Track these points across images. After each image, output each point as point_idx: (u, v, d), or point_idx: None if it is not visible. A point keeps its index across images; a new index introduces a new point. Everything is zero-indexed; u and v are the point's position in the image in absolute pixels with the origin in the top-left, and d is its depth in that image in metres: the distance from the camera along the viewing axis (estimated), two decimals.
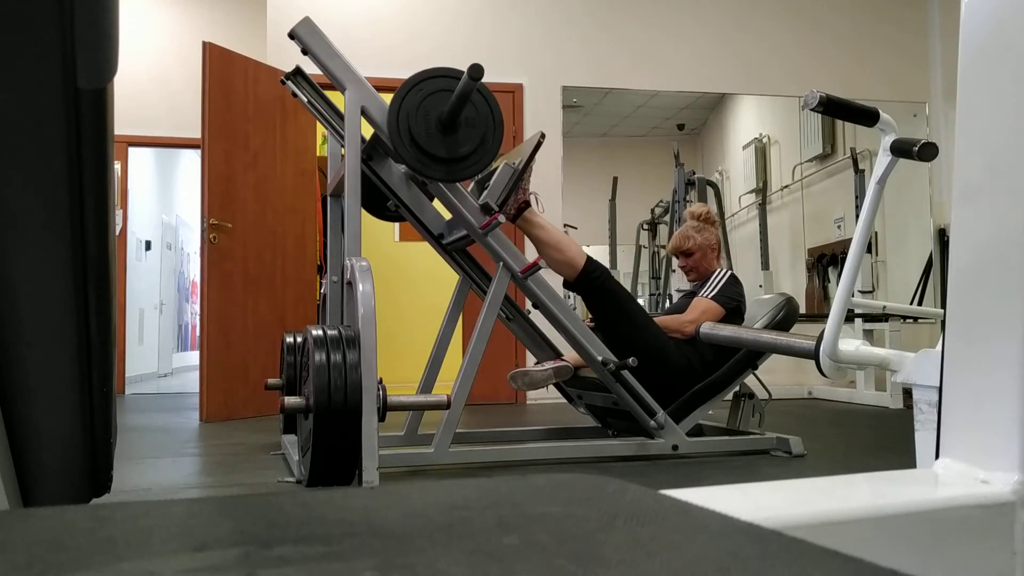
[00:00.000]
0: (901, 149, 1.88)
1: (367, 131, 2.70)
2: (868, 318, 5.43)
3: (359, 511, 0.45)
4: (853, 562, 0.36)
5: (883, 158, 1.91)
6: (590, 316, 3.24)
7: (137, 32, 6.60)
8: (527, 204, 2.97)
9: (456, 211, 2.70)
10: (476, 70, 2.34)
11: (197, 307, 6.25)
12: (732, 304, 3.27)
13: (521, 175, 2.76)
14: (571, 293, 5.95)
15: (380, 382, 2.32)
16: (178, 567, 0.35)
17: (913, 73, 6.44)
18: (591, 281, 3.02)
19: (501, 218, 2.65)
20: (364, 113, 2.62)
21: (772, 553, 0.38)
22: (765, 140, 6.50)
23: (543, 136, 2.82)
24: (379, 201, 3.19)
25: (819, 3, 6.34)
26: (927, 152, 1.83)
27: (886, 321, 5.32)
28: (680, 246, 3.48)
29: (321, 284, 3.98)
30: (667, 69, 6.08)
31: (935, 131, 6.34)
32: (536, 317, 3.17)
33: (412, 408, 2.78)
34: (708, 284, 3.37)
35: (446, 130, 2.49)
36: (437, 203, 2.90)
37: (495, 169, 2.77)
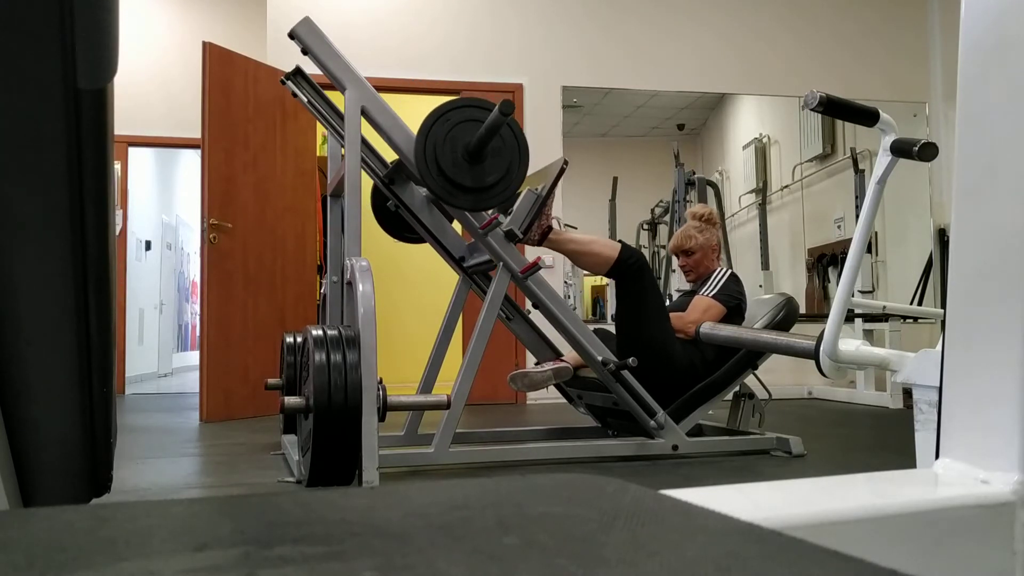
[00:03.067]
0: (901, 149, 1.88)
1: (367, 131, 2.70)
2: (868, 318, 5.43)
3: (359, 511, 0.45)
4: (853, 562, 0.36)
5: (883, 158, 1.91)
6: (592, 316, 3.25)
7: (137, 32, 6.60)
8: (550, 229, 2.98)
9: (469, 225, 2.73)
10: (507, 106, 2.36)
11: (197, 307, 6.25)
12: (733, 302, 3.28)
13: (544, 201, 2.78)
14: (570, 293, 5.97)
15: (380, 382, 2.32)
16: (178, 567, 0.35)
17: (913, 73, 6.44)
18: (628, 267, 3.03)
19: (502, 218, 2.66)
20: (364, 113, 2.62)
21: (772, 553, 0.38)
22: (765, 140, 6.50)
23: (566, 163, 2.83)
24: (399, 224, 3.21)
25: (819, 3, 6.34)
26: (927, 152, 1.83)
27: (886, 321, 5.32)
28: (682, 245, 3.49)
29: (321, 284, 3.98)
30: (667, 69, 6.08)
31: (935, 131, 6.34)
32: (536, 317, 3.17)
33: (412, 408, 2.78)
34: (709, 283, 3.37)
35: (473, 160, 2.51)
36: (456, 225, 2.93)
37: (518, 194, 2.79)
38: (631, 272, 3.05)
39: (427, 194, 2.88)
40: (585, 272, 5.17)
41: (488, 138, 2.46)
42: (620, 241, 3.14)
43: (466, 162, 2.51)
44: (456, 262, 3.06)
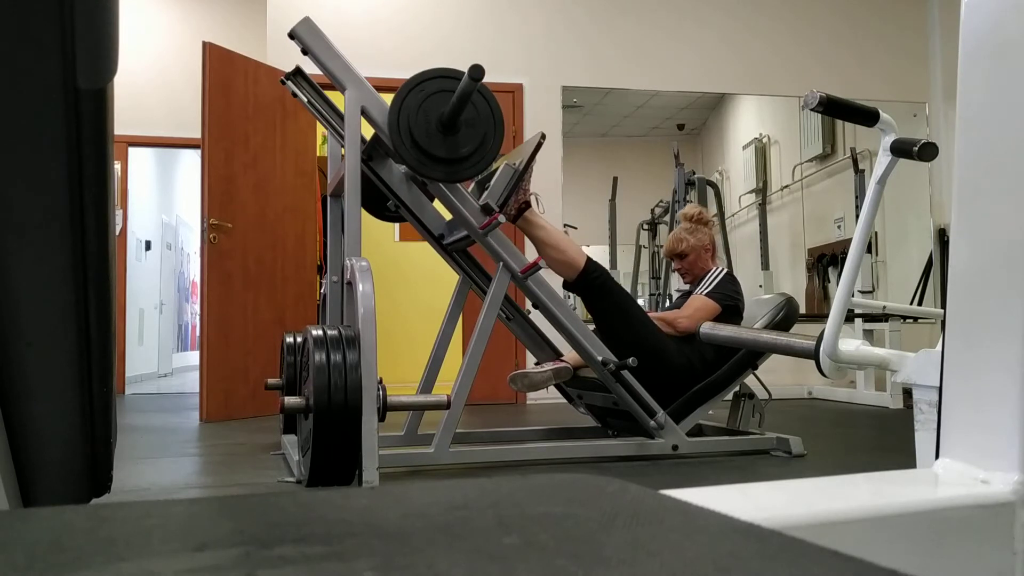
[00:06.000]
0: (901, 149, 1.88)
1: (367, 131, 2.70)
2: (868, 318, 5.43)
3: (359, 511, 0.45)
4: (853, 562, 0.36)
5: (883, 158, 1.91)
6: (589, 316, 3.24)
7: (137, 32, 6.60)
8: (527, 205, 2.97)
9: (456, 211, 2.71)
10: (477, 71, 2.34)
11: (197, 307, 6.26)
12: (729, 301, 3.27)
13: (522, 176, 2.76)
14: (571, 293, 5.96)
15: (380, 382, 2.32)
16: (178, 567, 0.35)
17: (913, 73, 6.43)
18: (591, 281, 3.02)
19: (501, 218, 2.65)
20: (364, 113, 2.62)
21: (772, 553, 0.38)
22: (765, 140, 6.49)
23: (543, 137, 2.81)
24: (379, 201, 3.19)
25: (819, 3, 6.34)
26: (927, 152, 1.83)
27: (886, 321, 5.32)
28: (674, 249, 3.49)
29: (321, 284, 3.98)
30: (667, 69, 6.08)
31: (935, 131, 6.34)
32: (536, 317, 3.17)
33: (412, 408, 2.78)
34: (703, 282, 3.37)
35: (447, 131, 2.49)
36: (438, 203, 2.90)
37: (495, 170, 2.77)
38: (594, 287, 3.02)
39: (406, 171, 2.86)
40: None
41: (460, 106, 2.44)
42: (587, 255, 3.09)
43: (440, 133, 2.49)
44: (435, 239, 3.03)
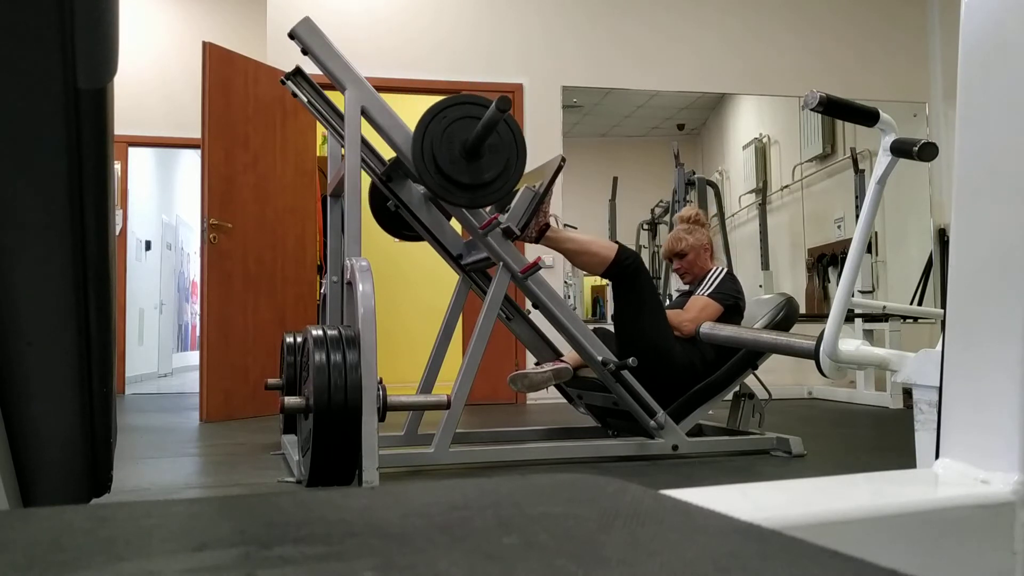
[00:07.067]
0: (901, 149, 1.88)
1: (367, 131, 2.70)
2: (868, 318, 5.43)
3: (359, 511, 0.45)
4: (853, 562, 0.36)
5: (883, 158, 1.91)
6: (592, 316, 3.24)
7: (137, 32, 6.60)
8: (547, 226, 2.98)
9: (460, 216, 2.72)
10: (504, 102, 2.35)
11: (197, 307, 6.25)
12: (730, 300, 3.28)
13: (542, 199, 2.78)
14: (570, 293, 5.97)
15: (380, 382, 2.32)
16: (178, 567, 0.35)
17: (913, 73, 6.44)
18: (623, 268, 3.03)
19: (502, 218, 2.66)
20: (364, 113, 2.62)
21: (772, 553, 0.38)
22: (765, 140, 6.49)
23: (564, 160, 2.82)
24: (398, 223, 3.20)
25: (819, 3, 6.34)
26: (927, 152, 1.83)
27: (886, 321, 5.32)
28: (673, 248, 3.51)
29: (321, 284, 3.98)
30: (667, 69, 6.08)
31: (935, 131, 6.34)
32: (536, 317, 3.17)
33: (412, 408, 2.78)
34: (705, 282, 3.38)
35: (470, 157, 2.51)
36: (455, 223, 2.93)
37: (515, 191, 2.78)
38: (627, 273, 3.05)
39: (425, 192, 2.88)
40: (584, 272, 5.18)
41: (485, 135, 2.45)
42: (617, 242, 3.15)
43: (463, 159, 2.51)
44: (454, 260, 3.06)
